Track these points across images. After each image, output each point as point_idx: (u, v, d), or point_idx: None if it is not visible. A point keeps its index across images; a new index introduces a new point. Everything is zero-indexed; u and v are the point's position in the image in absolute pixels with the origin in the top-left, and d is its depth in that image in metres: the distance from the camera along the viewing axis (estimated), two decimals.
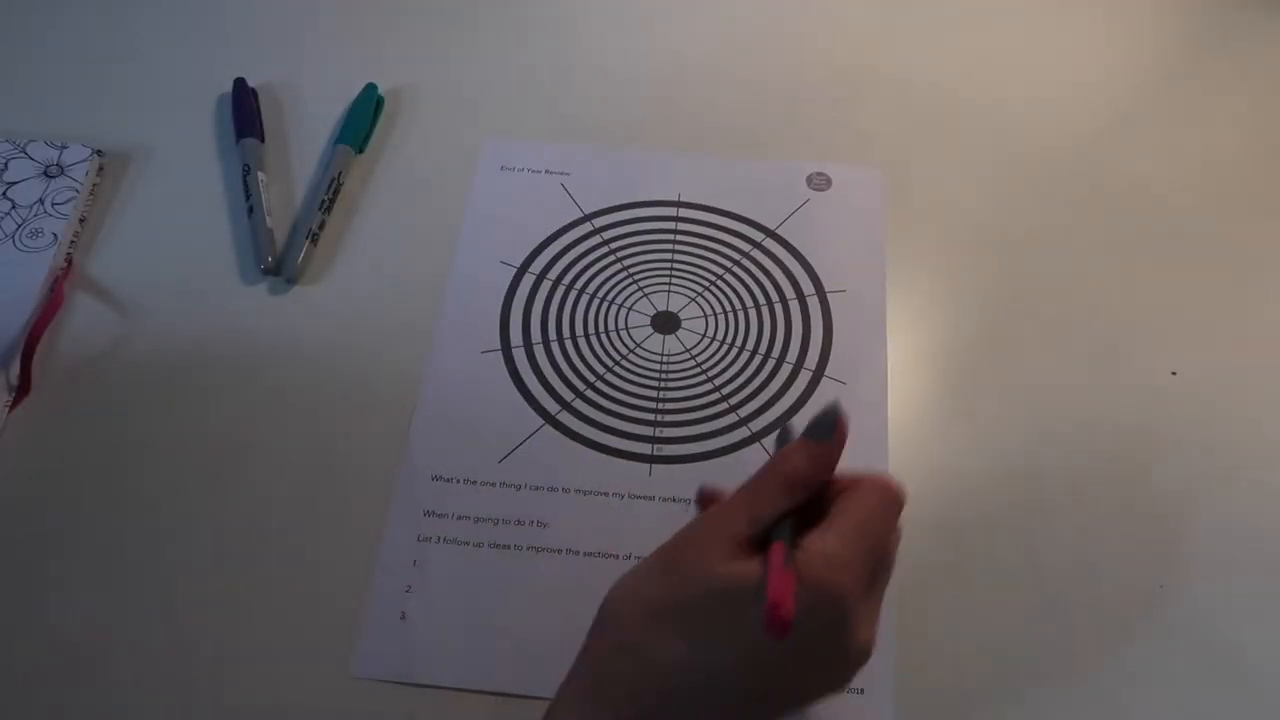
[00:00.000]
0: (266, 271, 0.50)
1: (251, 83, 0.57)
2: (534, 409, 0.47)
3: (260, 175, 0.52)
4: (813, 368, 0.49)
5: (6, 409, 0.46)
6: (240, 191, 0.53)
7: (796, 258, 0.52)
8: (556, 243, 0.52)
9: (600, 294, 0.51)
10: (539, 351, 0.49)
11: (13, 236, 0.49)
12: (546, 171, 0.54)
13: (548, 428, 0.46)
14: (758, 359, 0.49)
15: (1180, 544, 0.44)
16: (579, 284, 0.51)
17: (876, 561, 0.34)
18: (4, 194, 0.51)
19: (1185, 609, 0.42)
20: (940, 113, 0.58)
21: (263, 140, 0.54)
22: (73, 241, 0.51)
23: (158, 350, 0.48)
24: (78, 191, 0.51)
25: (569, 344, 0.49)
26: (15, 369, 0.46)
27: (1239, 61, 0.61)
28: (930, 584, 0.42)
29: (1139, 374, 0.49)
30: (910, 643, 0.41)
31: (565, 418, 0.47)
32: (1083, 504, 0.45)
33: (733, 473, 0.44)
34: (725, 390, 0.48)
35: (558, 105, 0.57)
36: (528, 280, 0.51)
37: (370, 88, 0.56)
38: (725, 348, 0.49)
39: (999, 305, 0.51)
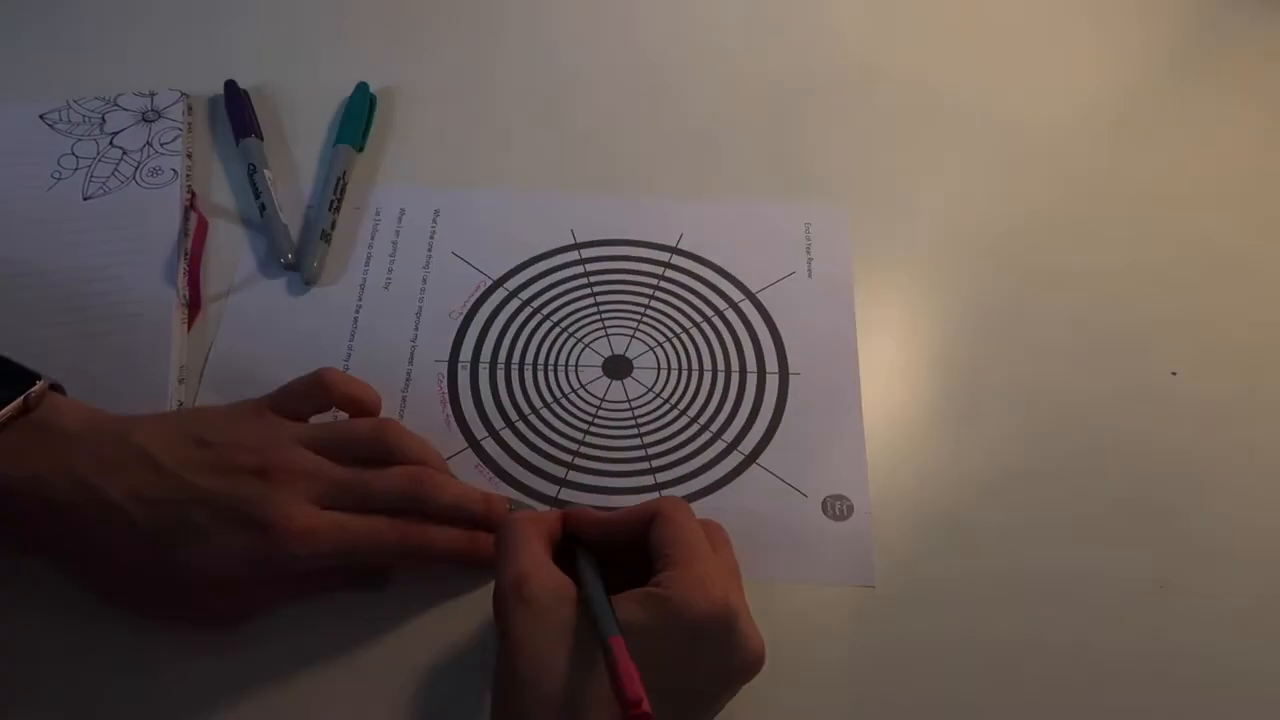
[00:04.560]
0: (288, 267, 0.51)
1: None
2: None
3: (266, 173, 0.54)
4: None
5: (185, 325, 0.48)
6: (248, 192, 0.53)
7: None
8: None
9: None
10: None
11: (133, 178, 0.53)
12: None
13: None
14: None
15: (1180, 544, 0.44)
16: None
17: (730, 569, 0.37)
18: (111, 143, 0.55)
19: (1185, 609, 0.42)
20: (938, 113, 0.58)
21: (262, 140, 0.55)
22: (188, 174, 0.54)
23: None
24: (181, 130, 0.55)
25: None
26: (184, 290, 0.49)
27: (1236, 61, 0.61)
28: (930, 585, 0.43)
29: (1139, 374, 0.48)
30: (912, 643, 0.41)
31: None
32: (1082, 504, 0.45)
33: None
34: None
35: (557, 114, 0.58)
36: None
37: (363, 86, 0.57)
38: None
39: (998, 306, 0.51)
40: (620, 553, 0.38)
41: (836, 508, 0.44)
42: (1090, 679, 0.41)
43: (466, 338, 0.49)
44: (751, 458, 0.46)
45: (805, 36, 0.62)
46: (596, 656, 0.32)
